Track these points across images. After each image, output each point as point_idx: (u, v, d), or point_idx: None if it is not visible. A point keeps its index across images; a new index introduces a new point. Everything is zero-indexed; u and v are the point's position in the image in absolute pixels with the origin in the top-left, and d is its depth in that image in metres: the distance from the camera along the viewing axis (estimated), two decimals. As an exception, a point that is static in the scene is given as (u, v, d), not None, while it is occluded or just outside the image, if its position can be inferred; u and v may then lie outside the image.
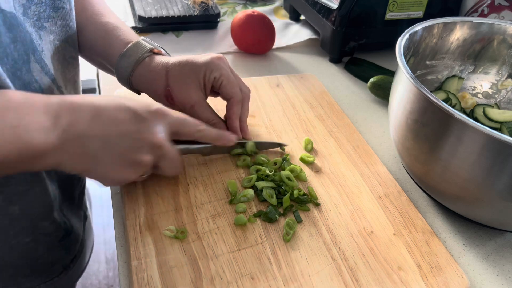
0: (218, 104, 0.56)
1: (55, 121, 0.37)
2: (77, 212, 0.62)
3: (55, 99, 0.38)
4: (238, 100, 0.53)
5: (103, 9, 0.57)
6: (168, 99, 0.53)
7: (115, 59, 0.53)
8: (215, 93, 0.56)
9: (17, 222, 0.50)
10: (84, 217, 0.65)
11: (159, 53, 0.54)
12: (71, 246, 0.60)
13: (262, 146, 0.56)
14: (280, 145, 0.57)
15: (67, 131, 0.37)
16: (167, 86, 0.52)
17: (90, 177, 0.42)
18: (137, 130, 0.41)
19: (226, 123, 0.54)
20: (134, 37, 0.54)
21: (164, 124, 0.44)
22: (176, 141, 0.47)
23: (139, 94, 0.57)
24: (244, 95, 0.54)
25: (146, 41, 0.54)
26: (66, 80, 0.52)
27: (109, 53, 0.54)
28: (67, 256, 0.60)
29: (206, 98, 0.54)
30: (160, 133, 0.43)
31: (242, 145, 0.55)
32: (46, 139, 0.36)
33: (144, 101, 0.44)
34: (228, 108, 0.54)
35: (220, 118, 0.54)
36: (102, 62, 0.56)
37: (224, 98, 0.54)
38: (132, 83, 0.54)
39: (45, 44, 0.47)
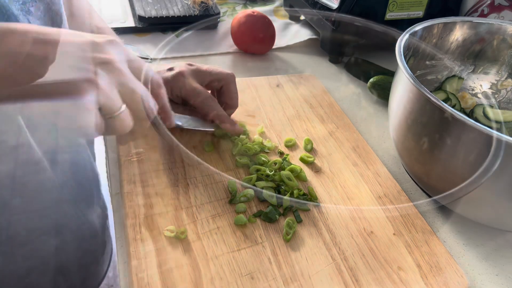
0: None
1: None
2: (94, 208, 0.62)
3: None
4: (207, 111, 0.54)
5: (86, 11, 0.57)
6: None
7: None
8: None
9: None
10: (103, 216, 0.65)
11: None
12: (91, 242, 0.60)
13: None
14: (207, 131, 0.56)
15: None
16: None
17: None
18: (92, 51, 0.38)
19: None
20: None
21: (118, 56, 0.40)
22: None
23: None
24: (227, 80, 0.55)
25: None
26: None
27: None
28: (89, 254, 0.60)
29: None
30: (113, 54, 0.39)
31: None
32: None
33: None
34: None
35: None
36: None
37: None
38: None
39: None
